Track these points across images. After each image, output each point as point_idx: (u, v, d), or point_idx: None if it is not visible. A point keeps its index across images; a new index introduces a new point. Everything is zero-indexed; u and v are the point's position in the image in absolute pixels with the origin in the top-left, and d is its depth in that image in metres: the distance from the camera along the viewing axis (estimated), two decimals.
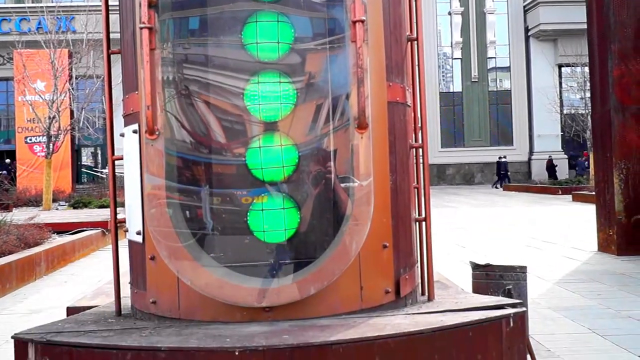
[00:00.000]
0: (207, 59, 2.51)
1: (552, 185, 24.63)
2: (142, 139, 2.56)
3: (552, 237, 10.19)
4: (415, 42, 3.01)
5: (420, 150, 2.99)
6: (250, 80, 2.46)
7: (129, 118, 2.73)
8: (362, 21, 2.38)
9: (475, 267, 3.27)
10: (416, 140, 2.98)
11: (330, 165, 2.46)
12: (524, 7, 27.25)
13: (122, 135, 2.76)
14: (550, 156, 31.40)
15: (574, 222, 12.55)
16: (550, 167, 31.61)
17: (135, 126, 2.64)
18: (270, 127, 2.45)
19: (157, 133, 2.39)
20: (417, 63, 2.98)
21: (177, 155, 2.46)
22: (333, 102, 2.49)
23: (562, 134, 30.71)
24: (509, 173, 30.67)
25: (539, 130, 32.00)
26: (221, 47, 2.53)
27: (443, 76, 32.61)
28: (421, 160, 3.03)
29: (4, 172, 26.29)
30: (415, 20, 3.14)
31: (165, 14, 2.45)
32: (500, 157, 30.26)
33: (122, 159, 2.79)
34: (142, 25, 2.36)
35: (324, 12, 2.58)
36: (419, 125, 3.06)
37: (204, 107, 2.48)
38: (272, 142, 2.44)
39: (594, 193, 9.49)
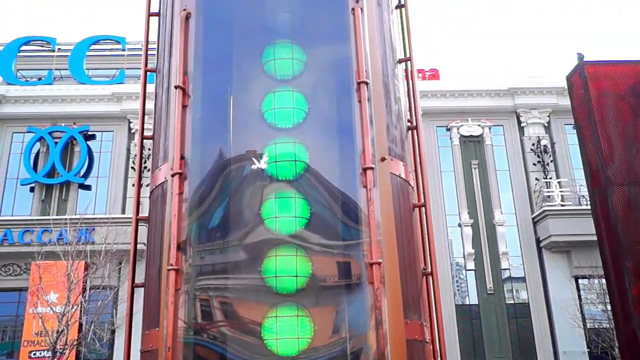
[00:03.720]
0: (227, 301, 2.59)
1: None
2: None
3: None
4: (430, 275, 3.10)
5: None
6: (268, 312, 2.51)
7: (147, 355, 2.73)
8: (379, 263, 2.49)
9: None
10: None
11: None
12: (533, 219, 27.89)
13: None
14: None
15: None
16: None
17: None
18: None
19: None
20: (433, 297, 3.03)
21: None
22: (351, 340, 2.50)
23: (588, 350, 29.29)
24: None
25: (563, 347, 30.63)
26: (241, 280, 2.63)
27: (458, 288, 32.37)
28: None
29: None
30: (429, 254, 3.26)
31: (191, 257, 2.59)
32: None
33: None
34: (170, 267, 2.48)
35: (340, 249, 2.71)
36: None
37: (225, 346, 2.50)
38: None
39: None
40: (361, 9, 2.96)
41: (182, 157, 2.75)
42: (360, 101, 2.82)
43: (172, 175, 2.73)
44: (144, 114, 3.49)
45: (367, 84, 2.83)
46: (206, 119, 3.03)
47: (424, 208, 3.21)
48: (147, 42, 3.58)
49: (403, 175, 3.09)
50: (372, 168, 2.68)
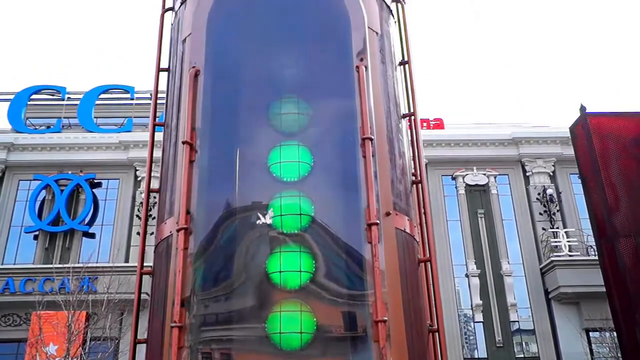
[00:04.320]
0: (232, 357, 2.57)
1: None
2: None
3: None
4: (437, 332, 3.06)
5: None
6: None
7: None
8: (384, 321, 2.46)
9: None
10: None
11: None
12: (541, 269, 27.55)
13: None
14: None
15: None
16: None
17: None
18: None
19: None
20: (440, 355, 2.98)
21: None
22: None
23: None
24: None
25: None
26: (246, 335, 2.61)
27: (466, 341, 31.75)
28: None
29: None
30: (435, 310, 3.23)
31: (195, 312, 2.57)
32: None
33: None
34: (174, 324, 2.46)
35: (345, 306, 2.69)
36: None
37: None
38: None
39: None
40: (365, 67, 3.02)
41: (187, 212, 2.77)
42: (364, 156, 2.85)
43: (178, 230, 2.75)
44: (151, 166, 3.52)
45: (371, 139, 2.87)
46: (213, 173, 3.06)
47: (429, 263, 3.20)
48: (156, 97, 3.65)
49: (408, 230, 3.09)
50: (377, 224, 2.69)
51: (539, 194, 25.14)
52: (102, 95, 25.02)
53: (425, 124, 25.14)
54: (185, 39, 3.36)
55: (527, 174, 25.43)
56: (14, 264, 21.73)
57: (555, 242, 24.48)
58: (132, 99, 25.23)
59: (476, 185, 25.36)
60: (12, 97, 24.50)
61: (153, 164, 3.58)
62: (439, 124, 25.28)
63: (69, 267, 20.05)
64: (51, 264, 20.76)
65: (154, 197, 3.32)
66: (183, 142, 2.91)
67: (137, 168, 23.60)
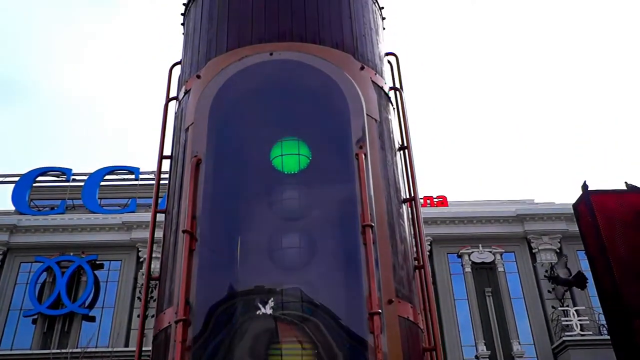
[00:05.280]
0: None
1: None
2: None
3: None
4: None
5: None
6: None
7: None
8: None
9: None
10: None
11: None
12: (553, 349, 26.74)
13: None
14: None
15: None
16: None
17: None
18: None
19: None
20: None
21: None
22: None
23: None
24: None
25: None
26: None
27: None
28: None
29: None
30: None
31: None
32: None
33: None
34: None
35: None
36: None
37: None
38: None
39: None
40: (365, 154, 3.05)
41: (187, 303, 2.72)
42: (365, 244, 2.83)
43: (176, 322, 2.69)
44: (151, 254, 3.50)
45: (372, 227, 2.86)
46: (214, 262, 3.04)
47: (434, 352, 3.11)
48: (159, 184, 3.68)
49: (412, 318, 3.03)
50: (379, 313, 2.63)
51: (546, 271, 24.77)
52: (107, 176, 25.29)
53: (428, 202, 25.16)
54: (188, 127, 3.43)
55: (534, 250, 25.16)
56: (11, 349, 21.23)
57: (566, 320, 23.86)
58: (137, 180, 25.47)
59: (482, 263, 25.04)
60: (17, 178, 24.76)
61: (155, 245, 3.57)
62: (442, 202, 25.31)
63: (67, 353, 19.62)
64: (49, 348, 20.30)
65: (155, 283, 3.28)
66: (183, 231, 2.91)
67: (140, 249, 23.49)
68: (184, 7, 4.29)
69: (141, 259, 23.31)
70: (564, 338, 23.83)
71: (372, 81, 3.64)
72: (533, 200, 27.10)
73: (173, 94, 4.00)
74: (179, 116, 3.76)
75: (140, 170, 25.32)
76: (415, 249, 3.50)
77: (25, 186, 24.45)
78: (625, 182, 7.33)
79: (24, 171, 24.69)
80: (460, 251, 25.07)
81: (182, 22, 4.33)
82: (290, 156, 3.35)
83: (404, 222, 3.42)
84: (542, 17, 60.87)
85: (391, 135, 3.65)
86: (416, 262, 3.44)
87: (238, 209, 3.26)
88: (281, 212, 3.28)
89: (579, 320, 24.04)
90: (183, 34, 4.27)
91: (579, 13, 63.64)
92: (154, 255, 3.59)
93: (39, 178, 25.15)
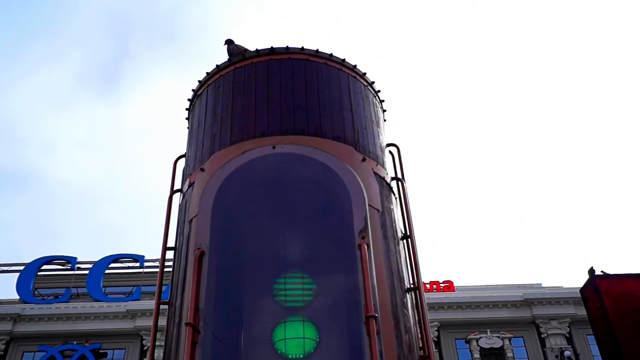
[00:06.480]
0: None
1: None
2: None
3: None
4: None
5: None
6: None
7: None
8: None
9: None
10: None
11: None
12: None
13: None
14: None
15: None
16: None
17: None
18: None
19: None
20: None
21: None
22: None
23: None
24: None
25: None
26: None
27: None
28: None
29: None
30: None
31: None
32: None
33: None
34: None
35: None
36: None
37: None
38: None
39: None
40: (367, 245, 3.09)
41: None
42: (369, 335, 2.82)
43: None
44: (153, 349, 3.48)
45: (375, 317, 2.85)
46: (216, 354, 3.02)
47: None
48: (162, 276, 3.70)
49: None
50: None
51: (556, 356, 24.04)
52: (112, 264, 25.17)
53: (435, 287, 24.82)
54: (192, 220, 3.49)
55: (542, 335, 24.52)
56: None
57: None
58: (142, 267, 25.33)
59: (491, 348, 24.36)
60: (22, 267, 24.66)
61: (158, 333, 3.55)
62: (448, 286, 24.96)
63: None
64: None
65: None
66: (186, 324, 2.91)
67: (144, 337, 23.04)
68: (188, 102, 4.45)
69: (145, 347, 22.82)
70: None
71: (374, 172, 3.73)
72: (540, 284, 26.71)
73: (177, 186, 4.09)
74: (182, 208, 3.83)
75: (145, 258, 25.23)
76: (420, 338, 3.46)
77: (30, 275, 24.31)
78: (602, 271, 7.31)
79: (28, 260, 24.64)
80: (468, 337, 24.45)
81: (186, 116, 4.48)
82: (293, 248, 3.41)
83: (408, 311, 3.41)
84: (545, 90, 62.43)
85: (394, 224, 3.70)
86: (422, 351, 3.40)
87: (241, 299, 3.28)
88: (285, 301, 3.30)
89: None
90: (188, 128, 4.42)
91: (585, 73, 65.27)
92: (157, 343, 3.57)
93: (44, 267, 25.04)
